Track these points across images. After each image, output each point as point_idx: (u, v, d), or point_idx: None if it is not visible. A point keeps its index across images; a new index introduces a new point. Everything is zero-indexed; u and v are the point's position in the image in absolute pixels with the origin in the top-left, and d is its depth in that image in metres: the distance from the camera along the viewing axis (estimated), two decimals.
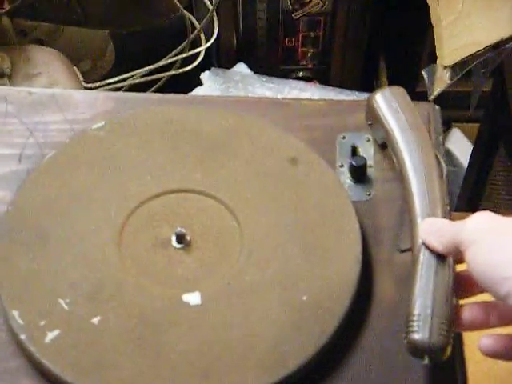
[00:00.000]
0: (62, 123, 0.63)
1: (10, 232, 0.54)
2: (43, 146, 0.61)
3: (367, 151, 0.62)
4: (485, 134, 1.19)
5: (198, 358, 0.49)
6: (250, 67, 1.33)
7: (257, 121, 0.62)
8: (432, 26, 1.18)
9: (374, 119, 0.60)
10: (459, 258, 0.48)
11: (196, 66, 1.20)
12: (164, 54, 1.19)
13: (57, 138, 0.62)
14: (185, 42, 1.13)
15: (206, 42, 1.15)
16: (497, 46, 0.96)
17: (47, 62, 0.90)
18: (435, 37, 1.06)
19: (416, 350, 0.46)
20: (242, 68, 1.32)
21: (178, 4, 0.95)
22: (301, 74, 1.38)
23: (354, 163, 0.60)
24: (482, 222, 0.46)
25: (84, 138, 0.60)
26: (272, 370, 0.49)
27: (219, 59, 1.34)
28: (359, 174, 0.60)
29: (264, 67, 1.35)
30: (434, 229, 0.49)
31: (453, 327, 0.47)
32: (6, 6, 0.93)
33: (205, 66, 1.29)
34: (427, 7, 1.07)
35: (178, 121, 0.61)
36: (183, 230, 0.54)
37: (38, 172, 0.58)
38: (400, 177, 0.56)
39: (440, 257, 0.49)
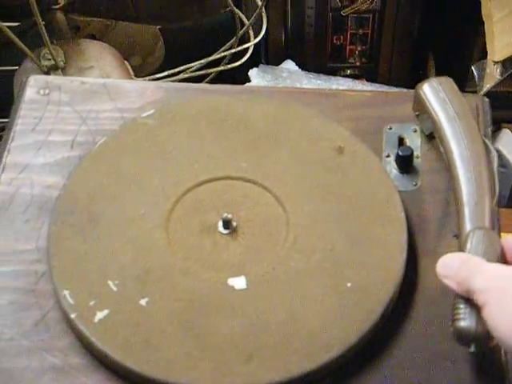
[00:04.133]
0: (113, 112, 0.65)
1: (62, 215, 0.56)
2: (95, 134, 0.63)
3: (414, 142, 0.62)
4: None
5: (243, 341, 0.50)
6: (298, 64, 1.33)
7: (303, 110, 0.62)
8: (483, 24, 1.18)
9: (421, 109, 0.60)
10: None
11: (244, 63, 1.21)
12: (213, 51, 1.20)
13: (108, 125, 0.63)
14: (234, 38, 1.14)
15: (255, 39, 1.16)
16: None
17: (100, 56, 0.92)
18: (486, 32, 1.05)
19: (462, 337, 0.46)
20: (289, 65, 1.33)
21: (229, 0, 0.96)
22: (348, 71, 1.38)
23: (400, 153, 0.60)
24: (492, 279, 0.45)
25: (134, 125, 0.61)
26: (315, 356, 0.49)
27: (267, 56, 1.35)
28: (406, 164, 0.60)
29: (311, 64, 1.35)
30: (448, 271, 0.48)
31: None
32: (61, 2, 0.95)
33: (253, 63, 1.30)
34: (478, 3, 1.06)
35: (225, 110, 0.62)
36: (229, 216, 0.55)
37: (89, 158, 0.59)
38: (447, 166, 0.56)
39: (488, 244, 0.49)
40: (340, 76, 1.35)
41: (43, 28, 0.81)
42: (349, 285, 0.52)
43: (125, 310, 0.51)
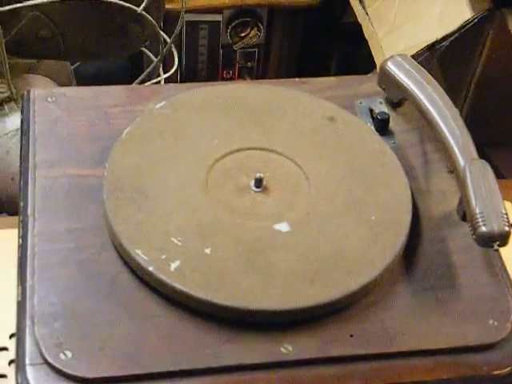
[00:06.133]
0: (118, 109, 0.71)
1: (113, 192, 0.62)
2: (109, 129, 0.69)
3: (382, 111, 0.74)
4: None
5: (301, 269, 0.58)
6: None
7: (291, 91, 0.72)
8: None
9: (388, 82, 0.72)
10: None
11: None
12: None
13: (118, 122, 0.70)
14: (146, 72, 1.22)
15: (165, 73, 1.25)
16: (432, 46, 1.12)
17: (46, 88, 0.97)
18: (372, 49, 1.21)
19: (485, 240, 0.57)
20: None
21: (158, 32, 1.05)
22: None
23: (379, 117, 0.71)
24: None
25: (151, 115, 0.68)
26: (364, 274, 0.59)
27: None
28: (384, 126, 0.72)
29: None
30: None
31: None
32: None
33: None
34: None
35: (226, 96, 0.71)
36: (261, 175, 0.63)
37: (119, 145, 0.65)
38: (426, 122, 0.68)
39: (484, 170, 0.60)
40: None
41: (6, 60, 0.86)
42: (373, 218, 0.62)
43: (194, 259, 0.58)
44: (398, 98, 0.73)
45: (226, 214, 0.62)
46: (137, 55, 1.34)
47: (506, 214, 0.59)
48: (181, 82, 1.43)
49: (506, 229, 0.58)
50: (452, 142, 0.65)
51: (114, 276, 0.59)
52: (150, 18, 0.99)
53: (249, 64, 1.45)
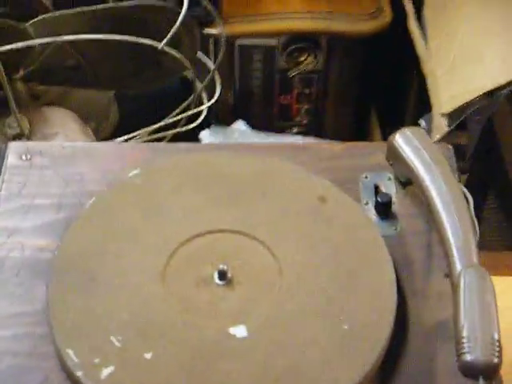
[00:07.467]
0: (94, 173, 0.66)
1: (59, 274, 0.56)
2: (79, 195, 0.64)
3: (389, 189, 0.65)
4: (473, 184, 1.23)
5: None
6: (247, 124, 1.37)
7: (282, 163, 0.65)
8: (417, 82, 1.25)
9: (395, 158, 0.64)
10: None
11: (196, 125, 1.23)
12: (165, 115, 1.22)
13: (91, 187, 0.64)
14: (188, 100, 1.16)
15: (208, 101, 1.19)
16: (491, 93, 1.01)
17: (63, 122, 0.93)
18: (429, 87, 1.11)
19: (469, 370, 0.48)
20: (240, 125, 1.36)
21: (188, 64, 0.98)
22: (295, 129, 1.42)
23: (379, 200, 0.63)
24: None
25: (122, 185, 0.62)
26: None
27: (217, 117, 1.38)
28: (385, 210, 0.63)
29: (259, 124, 1.38)
30: None
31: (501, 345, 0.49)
32: (21, 72, 0.96)
33: (202, 124, 1.32)
34: (413, 62, 1.13)
35: (208, 166, 0.64)
36: (225, 267, 0.56)
37: (81, 218, 0.60)
38: (428, 210, 0.59)
39: (481, 280, 0.51)
40: (289, 134, 1.39)
41: (11, 98, 0.82)
42: (345, 327, 0.54)
43: (130, 365, 0.52)
44: (406, 177, 0.64)
45: (179, 310, 0.55)
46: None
47: (499, 342, 0.49)
48: (235, 106, 1.38)
49: (495, 361, 0.49)
50: (451, 239, 0.55)
51: (46, 375, 0.53)
52: (173, 53, 0.92)
53: (306, 90, 1.37)
